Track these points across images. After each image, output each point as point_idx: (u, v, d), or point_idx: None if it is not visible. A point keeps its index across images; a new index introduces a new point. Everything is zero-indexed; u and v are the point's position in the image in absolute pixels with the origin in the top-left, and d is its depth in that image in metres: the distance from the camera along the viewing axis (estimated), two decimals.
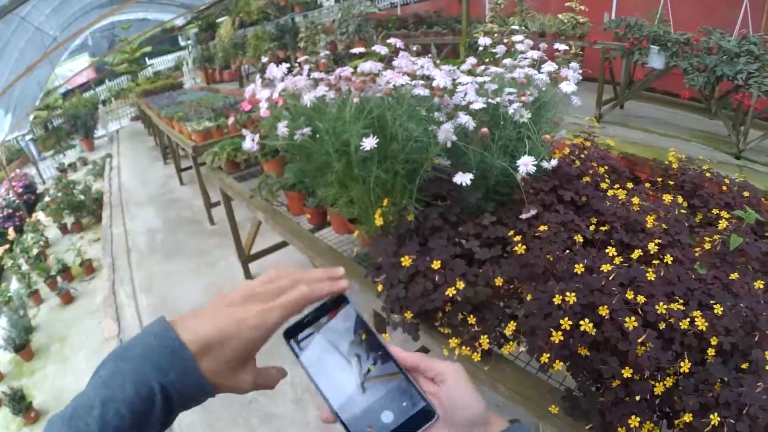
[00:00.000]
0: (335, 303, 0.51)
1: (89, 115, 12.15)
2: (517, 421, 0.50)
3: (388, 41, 1.35)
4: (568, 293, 1.11)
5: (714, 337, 1.16)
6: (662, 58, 3.88)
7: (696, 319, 1.16)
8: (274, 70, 1.49)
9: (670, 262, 1.34)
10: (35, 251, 5.39)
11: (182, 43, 15.41)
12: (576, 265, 1.20)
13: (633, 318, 1.11)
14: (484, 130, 1.31)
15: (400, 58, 1.31)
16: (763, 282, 1.36)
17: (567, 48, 1.74)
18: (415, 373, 0.49)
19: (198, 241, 4.86)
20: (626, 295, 1.19)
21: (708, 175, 2.12)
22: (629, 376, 1.10)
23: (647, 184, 2.18)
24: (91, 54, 15.81)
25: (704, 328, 1.15)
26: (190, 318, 0.46)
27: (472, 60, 1.77)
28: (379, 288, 1.27)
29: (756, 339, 1.17)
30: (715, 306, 1.20)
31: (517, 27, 2.42)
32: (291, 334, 0.50)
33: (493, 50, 1.78)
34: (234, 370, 0.47)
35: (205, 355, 0.44)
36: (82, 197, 6.42)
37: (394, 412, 0.47)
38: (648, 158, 3.43)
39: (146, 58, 15.94)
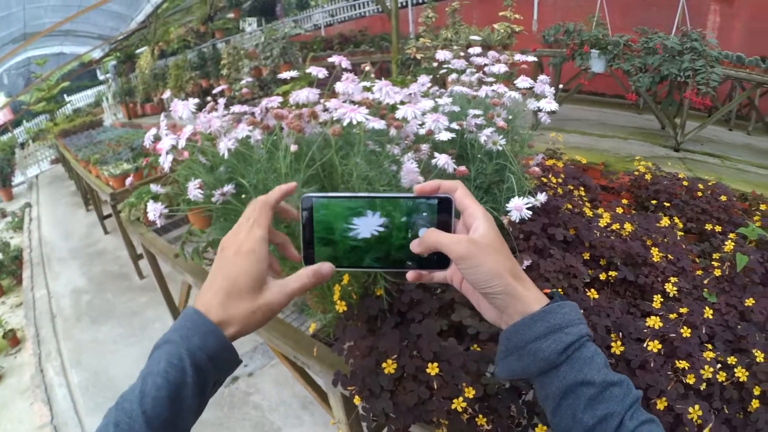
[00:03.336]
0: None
1: (6, 160, 10.99)
2: (558, 296, 0.52)
3: (330, 60, 1.03)
4: None
5: (757, 387, 1.00)
6: (602, 62, 3.83)
7: (736, 370, 1.01)
8: (180, 108, 1.12)
9: (709, 316, 1.10)
10: None
11: (101, 77, 14.49)
12: (613, 343, 0.93)
13: (697, 407, 0.86)
14: (462, 168, 1.02)
15: (345, 82, 0.99)
16: None
17: (534, 59, 1.50)
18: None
19: (128, 300, 4.30)
20: (673, 368, 0.95)
21: (685, 183, 1.98)
22: None
23: (625, 201, 2.00)
24: (7, 93, 14.59)
25: (745, 379, 1.00)
26: (207, 291, 0.51)
27: (424, 79, 1.50)
28: (356, 401, 0.93)
29: None
30: (755, 352, 1.05)
31: (476, 37, 2.20)
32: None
33: (449, 66, 1.52)
34: (257, 296, 0.51)
35: (234, 313, 0.50)
36: (0, 256, 5.63)
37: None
38: (596, 163, 3.36)
39: (64, 95, 14.76)
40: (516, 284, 0.50)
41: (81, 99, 16.28)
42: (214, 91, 1.36)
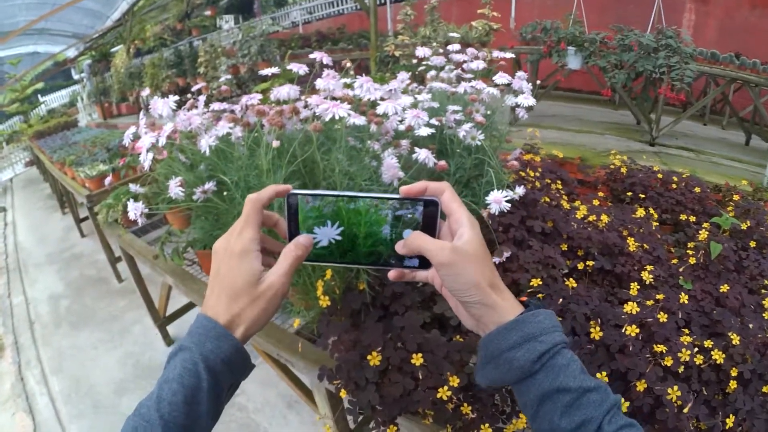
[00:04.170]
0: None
1: None
2: (533, 305, 0.53)
3: (312, 56, 1.03)
4: (599, 374, 0.88)
5: (734, 368, 1.04)
6: (579, 59, 3.90)
7: (713, 352, 1.04)
8: (159, 106, 1.11)
9: (685, 301, 1.14)
10: None
11: (75, 77, 14.16)
12: (592, 329, 0.96)
13: (676, 388, 0.91)
14: (442, 163, 1.04)
15: (326, 78, 0.99)
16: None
17: (512, 56, 1.52)
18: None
19: (107, 304, 4.22)
20: (651, 351, 0.99)
21: (660, 176, 2.03)
22: None
23: (601, 193, 2.05)
24: None
25: (722, 361, 1.03)
26: (210, 296, 0.52)
27: (403, 75, 1.52)
28: (342, 394, 0.93)
29: None
30: (731, 335, 1.09)
31: (455, 35, 2.22)
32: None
33: (429, 62, 1.54)
34: (255, 290, 0.51)
35: (239, 310, 0.51)
36: None
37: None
38: (573, 157, 3.42)
39: (38, 96, 14.36)
40: (493, 294, 0.51)
41: (55, 99, 15.88)
42: (193, 89, 1.35)
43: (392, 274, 0.57)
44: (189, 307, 3.37)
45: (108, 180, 1.37)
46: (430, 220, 0.53)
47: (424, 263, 0.54)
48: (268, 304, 0.52)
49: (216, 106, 1.30)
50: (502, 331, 0.50)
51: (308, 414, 2.70)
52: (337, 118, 0.81)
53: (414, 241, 0.52)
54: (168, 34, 7.48)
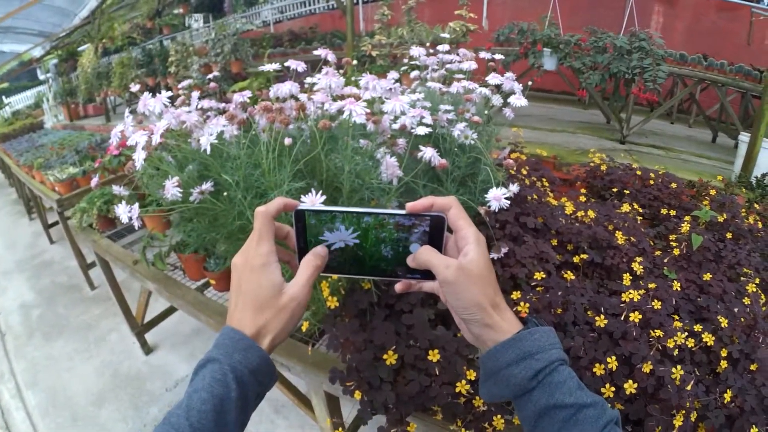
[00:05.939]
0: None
1: None
2: (531, 323, 0.54)
3: (315, 52, 1.03)
4: (609, 359, 0.92)
5: (724, 349, 1.11)
6: (554, 60, 3.98)
7: (704, 335, 1.11)
8: (150, 102, 1.08)
9: (678, 289, 1.18)
10: None
11: (41, 77, 13.67)
12: (597, 317, 0.99)
13: (679, 367, 0.98)
14: (443, 161, 1.05)
15: (326, 77, 0.98)
16: (755, 285, 1.30)
17: (501, 57, 1.55)
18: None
19: (81, 312, 4.08)
20: (650, 335, 1.04)
21: (639, 173, 2.10)
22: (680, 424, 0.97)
23: (583, 190, 2.09)
24: None
25: (712, 343, 1.10)
26: (235, 310, 0.54)
27: (394, 74, 1.52)
28: (357, 396, 0.93)
29: (760, 340, 1.15)
30: (720, 319, 1.16)
31: (446, 35, 2.22)
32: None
33: (416, 62, 1.55)
34: (279, 301, 0.53)
35: (264, 322, 0.52)
36: None
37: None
38: (549, 156, 3.49)
39: (2, 97, 13.79)
40: (494, 314, 0.52)
41: (20, 101, 15.27)
42: (181, 85, 1.32)
43: (399, 286, 0.58)
44: (168, 313, 3.29)
45: (94, 181, 1.32)
46: (437, 234, 0.54)
47: (430, 274, 0.55)
48: (292, 315, 0.54)
49: (205, 103, 1.28)
50: (500, 349, 0.51)
51: (296, 418, 2.67)
52: (354, 114, 0.81)
53: (422, 255, 0.54)
54: (138, 32, 7.30)
